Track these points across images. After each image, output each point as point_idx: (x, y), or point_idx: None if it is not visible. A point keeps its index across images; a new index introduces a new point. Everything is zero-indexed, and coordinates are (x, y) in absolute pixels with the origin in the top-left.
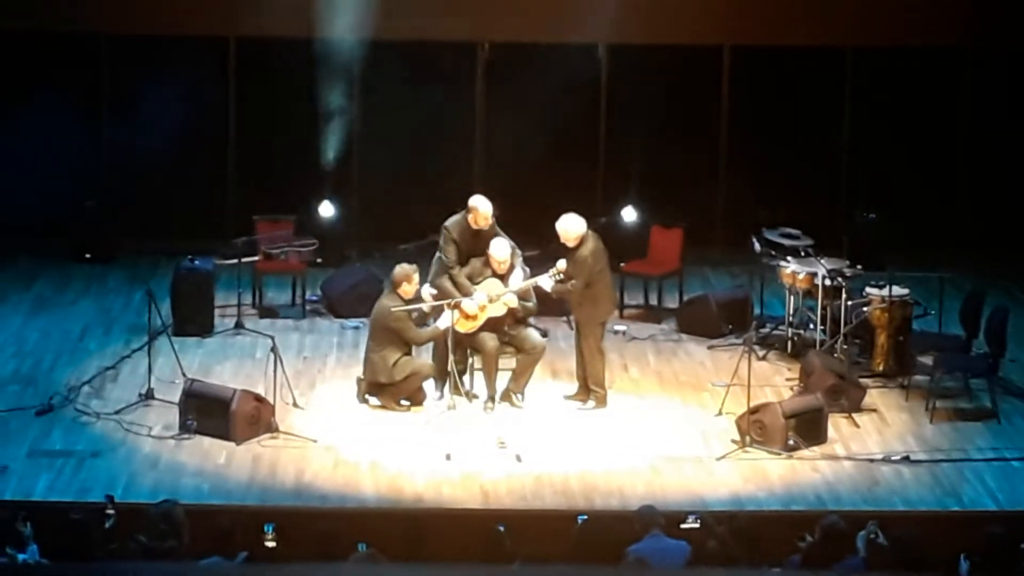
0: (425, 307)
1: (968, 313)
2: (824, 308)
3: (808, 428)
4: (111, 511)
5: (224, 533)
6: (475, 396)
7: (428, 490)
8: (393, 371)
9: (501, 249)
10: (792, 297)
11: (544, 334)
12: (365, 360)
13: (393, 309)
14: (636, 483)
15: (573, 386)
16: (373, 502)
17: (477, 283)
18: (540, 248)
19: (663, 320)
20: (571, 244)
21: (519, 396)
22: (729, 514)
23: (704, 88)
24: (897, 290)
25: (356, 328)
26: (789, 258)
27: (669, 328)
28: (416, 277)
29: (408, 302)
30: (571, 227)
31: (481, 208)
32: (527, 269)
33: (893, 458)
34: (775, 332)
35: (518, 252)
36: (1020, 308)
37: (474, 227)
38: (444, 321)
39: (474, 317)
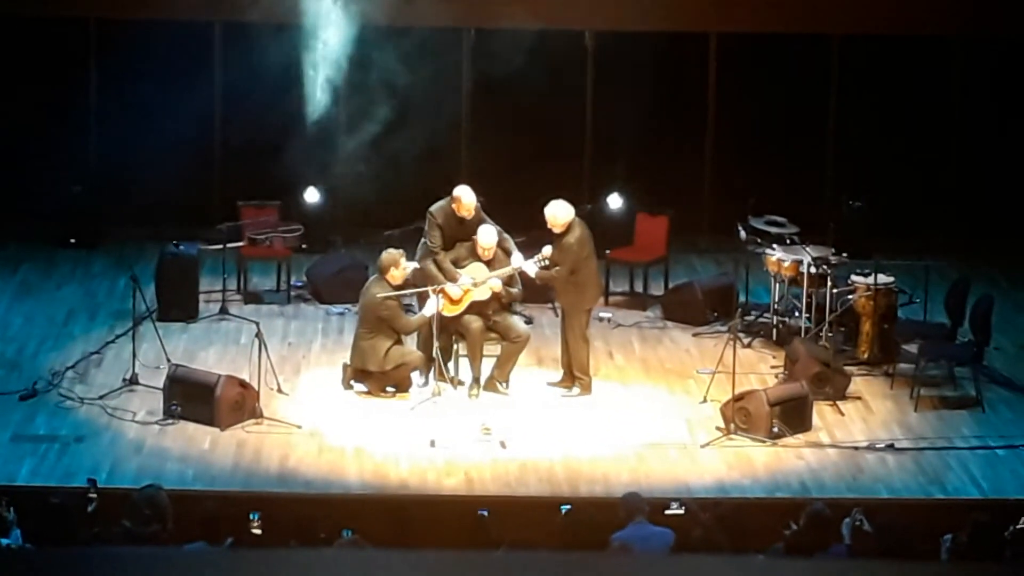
0: (411, 292)
1: (953, 301)
2: (809, 296)
3: (793, 416)
4: (94, 495)
5: (209, 519)
6: (460, 383)
7: (412, 476)
8: (384, 360)
9: (487, 235)
10: (777, 285)
11: (529, 321)
12: (354, 347)
13: (379, 296)
14: (621, 470)
15: (558, 373)
16: (357, 488)
17: (462, 267)
18: (525, 234)
19: (648, 307)
20: (558, 230)
21: (504, 384)
22: (713, 501)
23: (691, 75)
24: (882, 278)
25: (341, 314)
26: (775, 246)
27: (654, 315)
28: (403, 262)
29: (396, 288)
30: (559, 213)
31: (464, 199)
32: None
33: (877, 446)
34: (760, 320)
35: (507, 237)
36: (1005, 296)
37: (458, 215)
38: (430, 308)
39: (458, 301)
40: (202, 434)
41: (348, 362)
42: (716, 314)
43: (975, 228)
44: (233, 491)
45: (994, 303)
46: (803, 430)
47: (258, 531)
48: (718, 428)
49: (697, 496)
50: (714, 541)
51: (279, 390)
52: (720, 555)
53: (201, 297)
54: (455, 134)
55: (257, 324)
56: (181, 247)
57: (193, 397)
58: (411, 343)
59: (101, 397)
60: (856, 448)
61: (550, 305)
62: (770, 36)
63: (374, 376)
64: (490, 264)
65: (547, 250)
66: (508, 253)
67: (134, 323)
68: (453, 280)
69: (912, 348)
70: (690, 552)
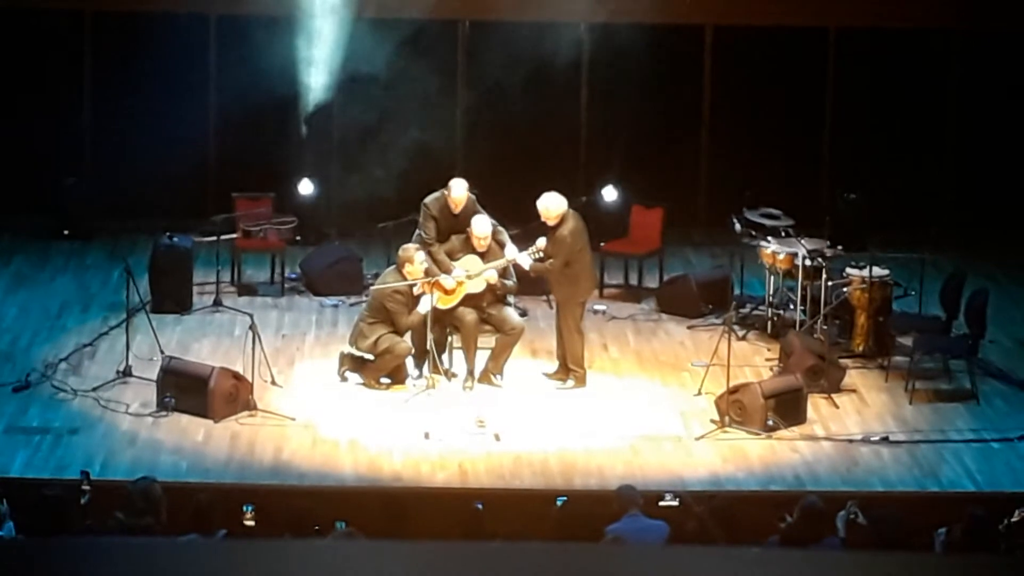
0: (410, 285)
1: (948, 294)
2: (804, 288)
3: (787, 408)
4: (87, 487)
5: (202, 511)
6: (454, 375)
7: (406, 469)
8: (373, 345)
9: (482, 225)
10: (772, 277)
11: (523, 313)
12: (354, 326)
13: (373, 288)
14: (615, 463)
15: (552, 365)
16: (351, 480)
17: (456, 260)
18: (520, 226)
19: (643, 300)
20: (551, 222)
21: (498, 376)
22: (708, 494)
23: (686, 67)
24: (877, 271)
25: (335, 306)
26: (770, 238)
27: (649, 308)
28: (418, 257)
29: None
30: (552, 205)
31: (454, 193)
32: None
33: (872, 439)
34: (755, 312)
35: (501, 229)
36: (1000, 289)
37: (450, 209)
38: (424, 305)
39: (452, 292)
40: (196, 426)
41: (345, 347)
42: (711, 307)
43: (971, 221)
44: (227, 483)
45: (989, 296)
46: (798, 423)
47: (251, 523)
48: (712, 421)
49: (691, 489)
50: (708, 533)
51: (273, 382)
52: (714, 547)
53: (195, 289)
54: (450, 126)
55: (251, 316)
56: (175, 239)
57: (187, 389)
58: (408, 336)
59: (95, 389)
60: (851, 441)
61: (544, 297)
62: (766, 28)
63: (369, 366)
64: (484, 256)
65: (541, 242)
66: (502, 245)
67: (128, 315)
68: (447, 272)
69: (907, 341)
70: (684, 544)
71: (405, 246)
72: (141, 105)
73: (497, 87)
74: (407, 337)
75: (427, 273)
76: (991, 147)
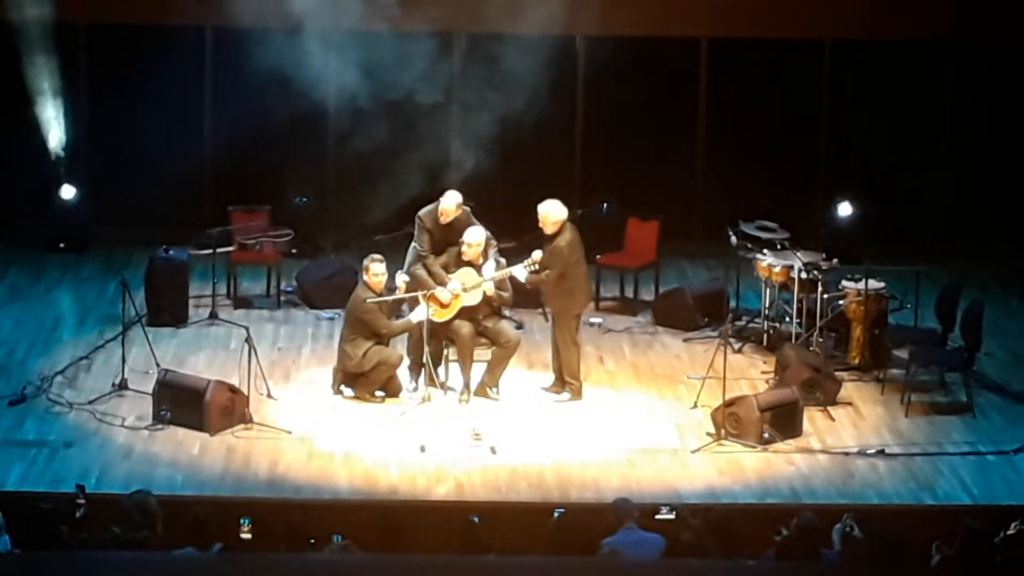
0: (399, 298)
1: (944, 307)
2: (800, 301)
3: (783, 421)
4: (82, 501)
5: (198, 524)
6: (450, 388)
7: (403, 482)
8: (362, 361)
9: (475, 234)
10: (768, 290)
11: (519, 326)
12: (338, 349)
13: (367, 301)
14: (611, 476)
15: (549, 378)
16: (347, 494)
17: (451, 272)
18: (516, 240)
19: (639, 312)
20: (549, 229)
21: (494, 389)
22: (704, 507)
23: (682, 80)
24: (873, 283)
25: (331, 319)
26: (765, 251)
27: (645, 320)
28: (375, 267)
29: (376, 291)
30: (552, 211)
31: (442, 203)
32: (502, 260)
33: (868, 452)
34: (751, 325)
35: (493, 243)
36: (996, 302)
37: (441, 219)
38: (419, 313)
39: (448, 306)
40: (191, 439)
41: (336, 366)
42: (707, 319)
43: (966, 233)
44: (222, 496)
45: (985, 308)
46: (794, 436)
47: (247, 536)
48: (709, 434)
49: (687, 501)
50: (704, 546)
51: (269, 395)
52: (710, 560)
53: (191, 302)
54: (445, 138)
55: (247, 329)
56: (171, 252)
57: (183, 402)
58: (401, 348)
59: (90, 402)
60: (847, 454)
61: (540, 310)
62: (761, 41)
63: (360, 380)
64: (479, 269)
65: (537, 254)
66: (486, 258)
67: (124, 328)
68: (443, 284)
69: (903, 354)
70: (680, 557)
71: (371, 254)
72: (137, 117)
73: (493, 100)
74: (397, 346)
75: (419, 286)
76: (987, 158)
